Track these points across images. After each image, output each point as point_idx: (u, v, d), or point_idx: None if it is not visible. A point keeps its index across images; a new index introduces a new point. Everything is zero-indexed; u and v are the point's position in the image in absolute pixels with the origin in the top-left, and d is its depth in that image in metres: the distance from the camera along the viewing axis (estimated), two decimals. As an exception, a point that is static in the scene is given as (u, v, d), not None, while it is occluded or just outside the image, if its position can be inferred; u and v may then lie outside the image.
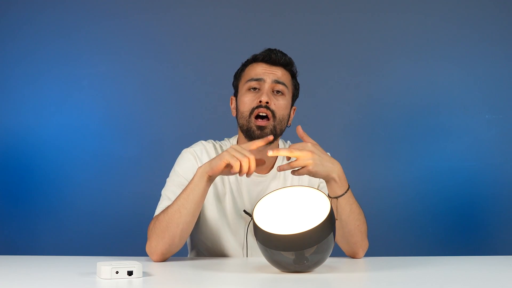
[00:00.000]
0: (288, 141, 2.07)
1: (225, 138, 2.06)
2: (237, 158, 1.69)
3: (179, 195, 1.79)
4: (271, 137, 1.79)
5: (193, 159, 1.96)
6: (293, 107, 2.03)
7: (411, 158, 2.89)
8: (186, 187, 1.79)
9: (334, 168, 1.77)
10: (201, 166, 1.77)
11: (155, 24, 2.91)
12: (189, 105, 2.89)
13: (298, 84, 2.02)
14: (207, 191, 1.79)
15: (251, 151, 1.73)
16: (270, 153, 1.72)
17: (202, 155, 1.97)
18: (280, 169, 1.74)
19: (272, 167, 1.99)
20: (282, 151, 1.73)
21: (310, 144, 1.76)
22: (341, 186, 1.78)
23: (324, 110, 2.91)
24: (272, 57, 1.94)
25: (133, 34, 2.90)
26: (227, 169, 1.73)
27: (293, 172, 1.75)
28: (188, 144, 2.03)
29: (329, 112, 2.91)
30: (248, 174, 1.71)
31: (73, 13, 2.88)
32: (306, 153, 1.73)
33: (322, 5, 2.95)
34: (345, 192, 1.78)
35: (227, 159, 1.70)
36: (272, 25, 2.94)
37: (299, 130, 1.79)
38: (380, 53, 2.93)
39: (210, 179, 1.77)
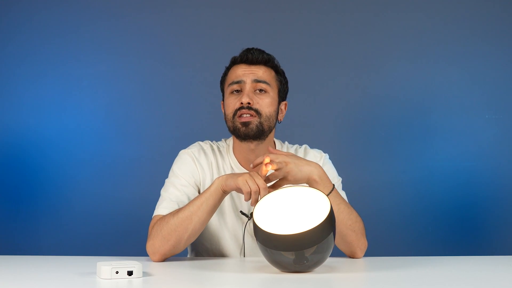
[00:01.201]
0: (286, 142, 2.07)
1: (223, 139, 2.06)
2: (249, 186, 1.70)
3: (193, 202, 1.80)
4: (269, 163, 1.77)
5: (191, 160, 1.97)
6: (284, 102, 2.02)
7: (411, 158, 2.89)
8: (201, 195, 1.80)
9: (313, 170, 1.79)
10: (218, 177, 1.79)
11: (155, 24, 2.91)
12: (189, 105, 2.89)
13: (285, 78, 2.02)
14: (220, 203, 1.82)
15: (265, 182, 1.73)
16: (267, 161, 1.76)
17: (200, 156, 1.97)
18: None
19: None
20: (265, 169, 1.75)
21: (283, 155, 1.79)
22: (324, 186, 1.79)
23: (324, 110, 2.90)
24: (249, 57, 1.95)
25: (133, 34, 2.90)
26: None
27: (271, 188, 1.76)
28: (187, 145, 2.03)
29: (328, 112, 2.91)
30: (252, 204, 1.71)
31: (73, 13, 2.88)
32: (281, 163, 1.76)
33: (322, 4, 2.95)
34: (330, 192, 1.79)
35: (239, 183, 1.72)
36: (272, 25, 2.94)
37: (269, 150, 1.84)
38: (380, 53, 2.93)
39: (225, 192, 1.79)
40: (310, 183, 1.79)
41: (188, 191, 1.91)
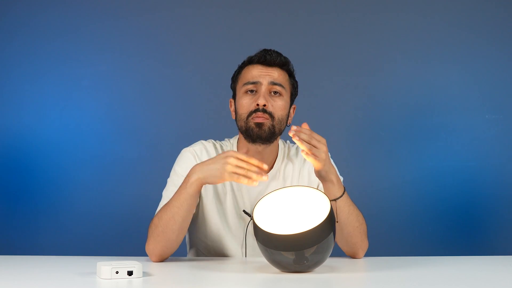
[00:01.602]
0: (288, 141, 2.07)
1: (226, 139, 2.06)
2: (239, 174, 1.69)
3: (173, 203, 1.78)
4: (266, 176, 1.71)
5: (193, 158, 1.96)
6: (293, 106, 2.02)
7: (411, 158, 2.89)
8: (178, 195, 1.77)
9: (332, 170, 1.80)
10: (193, 175, 1.74)
11: (155, 24, 2.91)
12: (190, 105, 2.89)
13: (296, 82, 2.02)
14: (199, 196, 1.80)
15: (248, 156, 1.71)
16: (292, 133, 1.70)
17: (202, 155, 1.97)
18: (296, 131, 1.71)
19: (272, 167, 1.99)
20: (303, 136, 1.71)
21: (325, 141, 1.75)
22: (338, 188, 1.80)
23: (324, 111, 2.90)
24: (267, 58, 1.93)
25: (133, 34, 2.90)
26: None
27: (304, 153, 1.72)
28: (187, 145, 2.03)
29: (329, 112, 2.91)
30: (262, 178, 1.69)
31: (73, 13, 2.88)
32: (323, 146, 1.73)
33: (322, 5, 2.95)
34: (343, 194, 1.80)
35: (226, 178, 1.70)
36: (272, 25, 2.94)
37: (306, 126, 1.77)
38: (380, 53, 2.93)
39: (204, 185, 1.77)
40: (326, 182, 1.78)
41: None
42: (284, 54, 1.99)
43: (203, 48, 2.91)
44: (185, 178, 1.77)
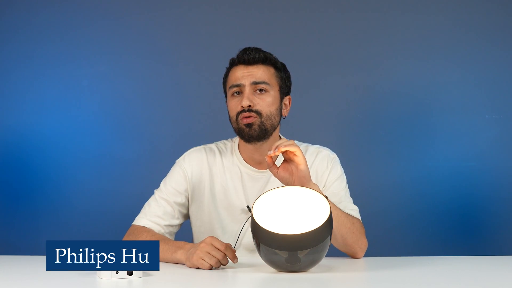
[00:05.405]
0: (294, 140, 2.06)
1: (229, 138, 2.06)
2: (205, 262, 1.67)
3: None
4: None
5: (181, 172, 1.99)
6: (288, 97, 2.01)
7: (411, 158, 2.89)
8: (164, 254, 1.78)
9: (310, 177, 1.76)
10: (180, 258, 1.75)
11: (155, 24, 2.91)
12: (189, 105, 2.89)
13: (287, 73, 1.99)
14: None
15: (226, 245, 1.70)
16: (270, 153, 1.71)
17: (192, 168, 1.99)
18: (271, 157, 1.73)
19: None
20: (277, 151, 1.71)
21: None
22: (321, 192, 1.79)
23: (324, 110, 2.90)
24: (245, 58, 1.93)
25: (133, 34, 2.90)
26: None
27: (283, 152, 1.73)
28: (187, 144, 2.04)
29: (329, 112, 2.91)
30: (234, 261, 1.70)
31: (72, 13, 2.88)
32: (294, 146, 1.72)
33: (322, 4, 2.95)
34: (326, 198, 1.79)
35: (196, 264, 1.68)
36: (272, 24, 2.94)
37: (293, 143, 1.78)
38: (380, 53, 2.93)
39: None
40: (310, 182, 1.77)
41: (166, 206, 1.96)
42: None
43: (203, 48, 2.91)
44: (176, 248, 1.77)
